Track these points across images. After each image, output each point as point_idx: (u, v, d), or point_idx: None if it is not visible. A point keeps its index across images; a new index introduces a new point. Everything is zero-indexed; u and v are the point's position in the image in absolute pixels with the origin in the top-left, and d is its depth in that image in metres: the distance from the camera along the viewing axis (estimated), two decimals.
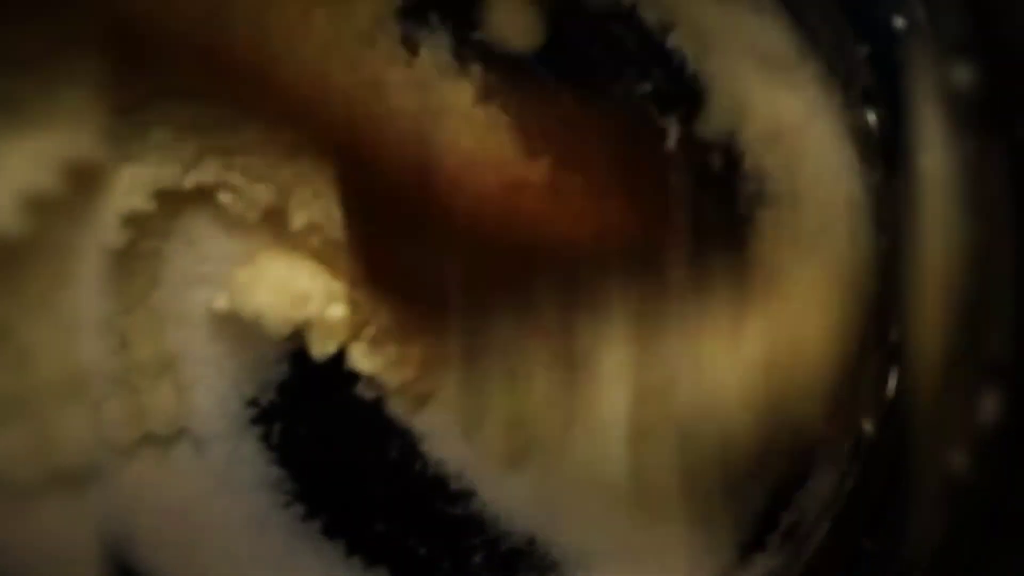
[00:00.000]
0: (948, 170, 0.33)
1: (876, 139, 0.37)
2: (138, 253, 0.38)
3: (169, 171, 0.37)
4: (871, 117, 0.37)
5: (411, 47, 0.37)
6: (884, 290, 0.36)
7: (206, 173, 0.38)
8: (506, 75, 0.36)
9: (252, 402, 0.39)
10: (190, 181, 0.37)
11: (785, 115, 0.38)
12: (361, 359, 0.37)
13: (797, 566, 0.35)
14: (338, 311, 0.37)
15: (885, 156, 0.37)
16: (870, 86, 0.36)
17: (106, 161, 0.34)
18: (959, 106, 0.34)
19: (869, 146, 0.37)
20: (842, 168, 0.38)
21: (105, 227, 0.36)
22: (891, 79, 0.35)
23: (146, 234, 0.38)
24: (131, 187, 0.37)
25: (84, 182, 0.34)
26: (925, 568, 0.31)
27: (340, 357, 0.38)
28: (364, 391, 0.38)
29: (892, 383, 0.34)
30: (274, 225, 0.37)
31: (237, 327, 0.38)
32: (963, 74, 0.34)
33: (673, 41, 0.38)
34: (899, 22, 0.35)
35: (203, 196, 0.37)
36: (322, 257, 0.38)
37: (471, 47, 0.37)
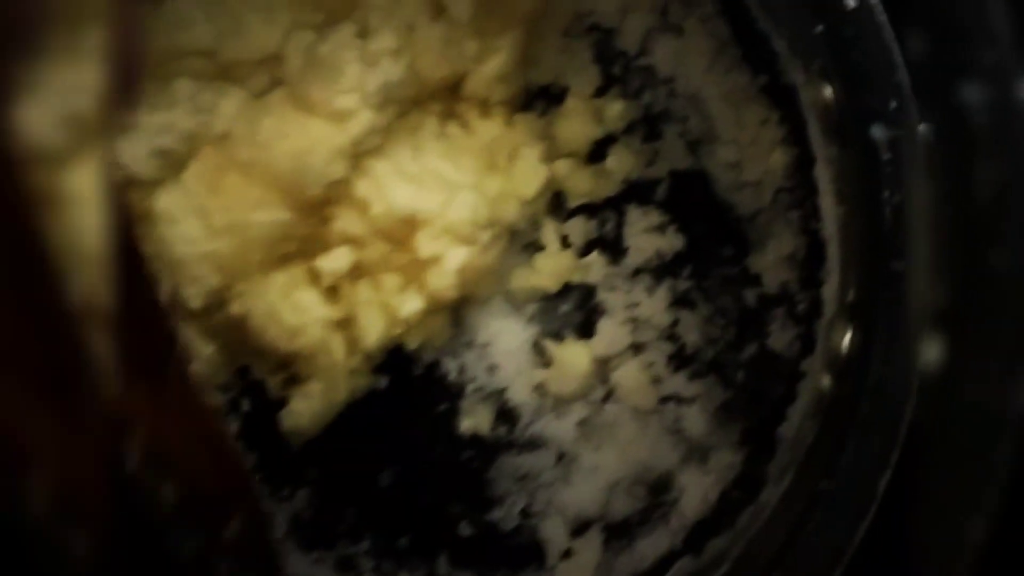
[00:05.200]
0: (897, 139, 0.36)
1: (833, 113, 0.39)
2: None
3: None
4: (827, 91, 0.39)
5: None
6: (844, 256, 0.38)
7: None
8: None
9: None
10: None
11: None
12: None
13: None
14: None
15: (840, 129, 0.39)
16: (826, 63, 0.39)
17: None
18: (910, 75, 0.36)
19: (828, 119, 0.40)
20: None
21: None
22: (844, 54, 0.37)
23: None
24: None
25: None
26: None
27: None
28: None
29: (847, 340, 0.37)
30: None
31: None
32: (915, 44, 0.36)
33: None
34: (850, 1, 0.36)
35: None
36: None
37: None
